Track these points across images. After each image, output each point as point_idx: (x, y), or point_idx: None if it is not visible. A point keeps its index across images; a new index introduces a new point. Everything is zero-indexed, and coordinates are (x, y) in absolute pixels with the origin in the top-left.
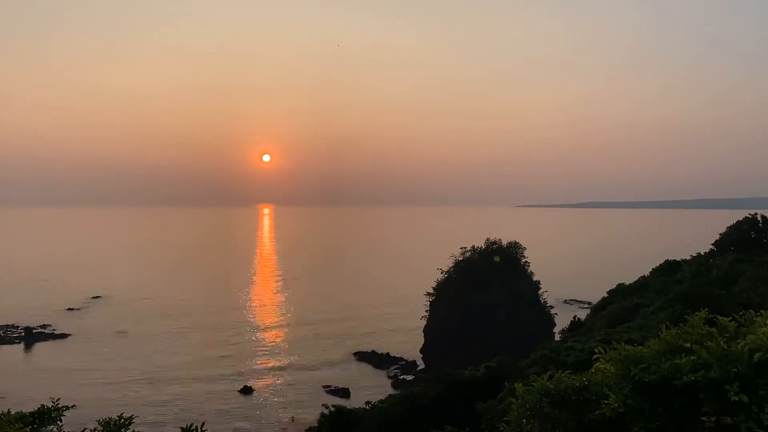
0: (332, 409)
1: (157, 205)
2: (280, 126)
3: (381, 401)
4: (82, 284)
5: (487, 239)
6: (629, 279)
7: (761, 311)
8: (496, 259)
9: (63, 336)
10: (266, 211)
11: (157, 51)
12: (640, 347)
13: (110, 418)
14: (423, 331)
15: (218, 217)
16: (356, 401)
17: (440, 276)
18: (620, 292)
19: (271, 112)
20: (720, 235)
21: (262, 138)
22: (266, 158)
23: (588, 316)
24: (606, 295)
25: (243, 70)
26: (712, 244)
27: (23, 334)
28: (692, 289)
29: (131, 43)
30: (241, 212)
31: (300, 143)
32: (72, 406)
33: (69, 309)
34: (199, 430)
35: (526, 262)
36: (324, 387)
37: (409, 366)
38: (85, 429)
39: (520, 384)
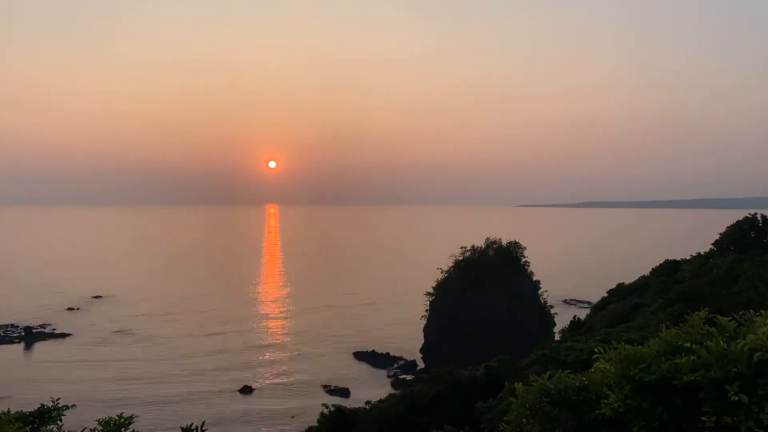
0: (332, 409)
1: (169, 204)
2: (284, 129)
3: (381, 401)
4: (82, 284)
5: (487, 239)
6: (629, 279)
7: (761, 311)
8: (490, 252)
9: (63, 336)
10: (272, 210)
11: (166, 59)
12: (640, 347)
13: (110, 418)
14: (423, 331)
15: (229, 216)
16: (356, 401)
17: (440, 276)
18: (620, 292)
19: (276, 117)
20: (720, 235)
21: (268, 142)
22: (272, 164)
23: (588, 316)
24: (606, 295)
25: (247, 76)
26: (712, 244)
27: (23, 333)
28: (692, 289)
29: (142, 51)
30: (249, 211)
31: (302, 146)
32: (72, 406)
33: (69, 309)
34: (199, 430)
35: (526, 261)
36: (324, 387)
37: (409, 366)
38: (85, 429)
39: (520, 384)
